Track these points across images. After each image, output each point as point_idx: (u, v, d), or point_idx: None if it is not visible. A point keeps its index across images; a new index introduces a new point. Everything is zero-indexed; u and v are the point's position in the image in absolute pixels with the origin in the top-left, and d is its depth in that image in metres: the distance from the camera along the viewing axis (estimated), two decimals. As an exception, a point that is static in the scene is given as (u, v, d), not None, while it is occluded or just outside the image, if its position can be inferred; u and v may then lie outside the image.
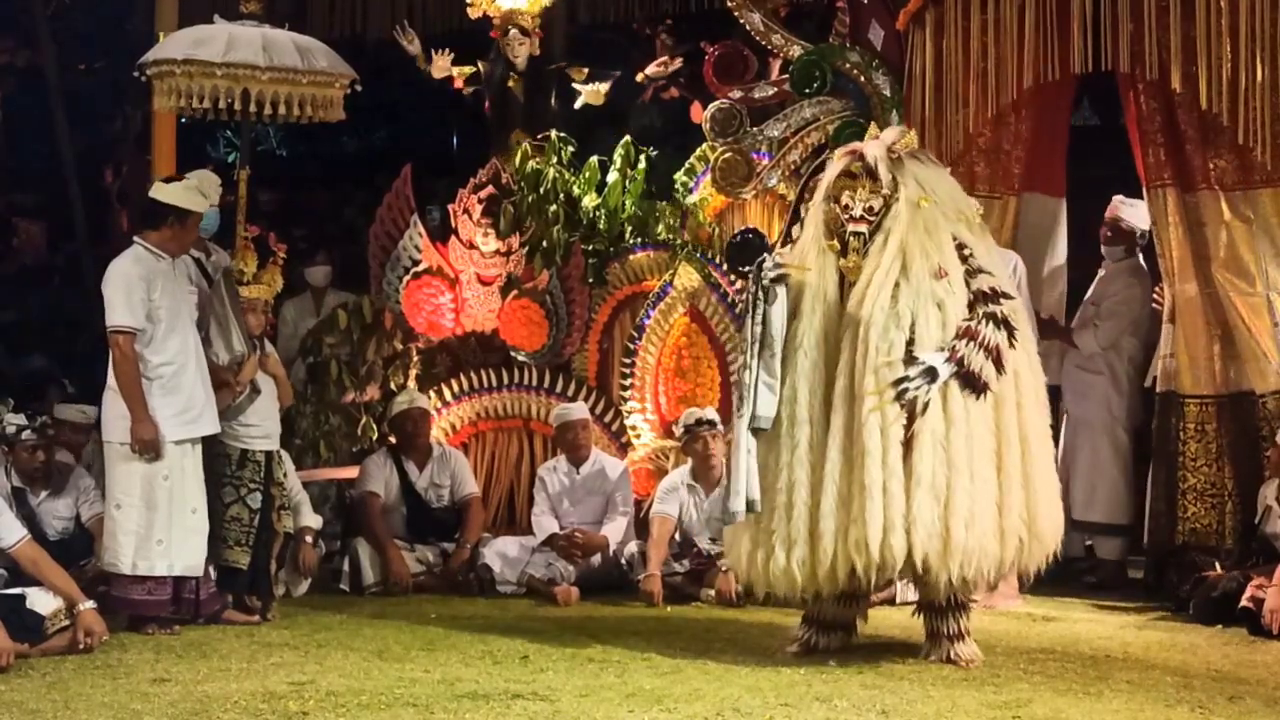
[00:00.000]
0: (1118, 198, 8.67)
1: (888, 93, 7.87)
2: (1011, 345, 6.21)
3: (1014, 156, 8.38)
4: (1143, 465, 8.43)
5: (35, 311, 11.90)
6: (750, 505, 6.21)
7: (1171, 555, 7.97)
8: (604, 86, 9.49)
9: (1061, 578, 6.83)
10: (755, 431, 6.23)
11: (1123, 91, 8.17)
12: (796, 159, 8.05)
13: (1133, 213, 8.51)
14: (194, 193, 7.10)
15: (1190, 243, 7.93)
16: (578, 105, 9.56)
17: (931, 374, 6.09)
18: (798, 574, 6.17)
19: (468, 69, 9.57)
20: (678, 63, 9.84)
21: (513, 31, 9.43)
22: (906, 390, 6.07)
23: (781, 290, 6.25)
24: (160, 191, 7.17)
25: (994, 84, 7.73)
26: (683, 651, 6.54)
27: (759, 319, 6.22)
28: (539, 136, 9.34)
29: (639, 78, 9.86)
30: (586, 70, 9.59)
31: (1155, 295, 8.32)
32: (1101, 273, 8.75)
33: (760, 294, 6.23)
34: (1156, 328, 8.26)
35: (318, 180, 14.21)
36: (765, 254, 6.35)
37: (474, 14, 9.56)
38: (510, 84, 9.48)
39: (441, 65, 9.55)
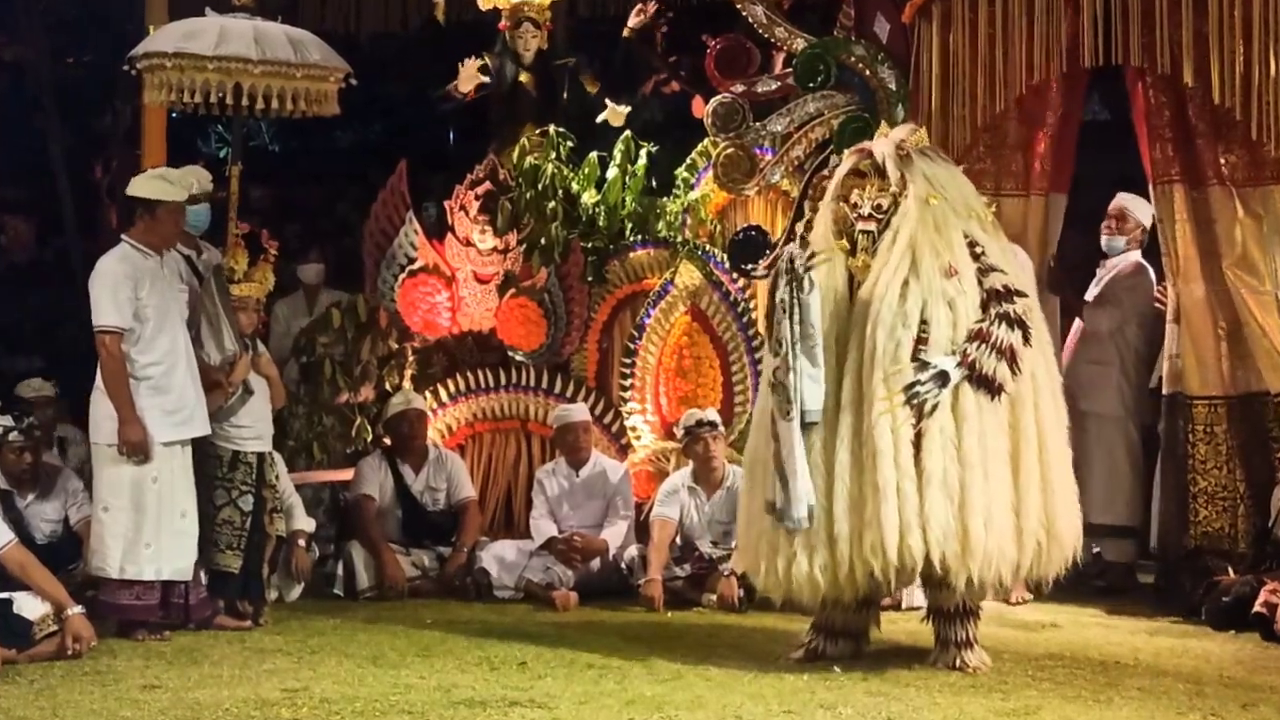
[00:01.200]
0: (1122, 194, 8.61)
1: (893, 87, 7.78)
2: (1026, 344, 6.15)
3: (1036, 154, 8.30)
4: (1149, 466, 8.35)
5: (24, 310, 11.80)
6: (811, 510, 6.06)
7: (1183, 560, 7.92)
8: (623, 109, 9.40)
9: (1070, 582, 6.80)
10: (807, 426, 6.09)
11: (1130, 86, 8.11)
12: (800, 154, 7.95)
13: (1138, 206, 8.45)
14: (158, 181, 7.06)
15: (1198, 240, 7.87)
16: (599, 120, 9.46)
17: (943, 379, 6.05)
18: (821, 580, 6.08)
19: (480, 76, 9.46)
20: (652, 7, 9.77)
21: (525, 24, 9.36)
22: (918, 395, 6.02)
23: (818, 276, 6.15)
24: (130, 185, 7.12)
25: (1002, 78, 7.67)
26: (684, 657, 6.49)
27: (797, 313, 6.09)
28: (539, 132, 9.26)
29: (624, 33, 9.79)
30: (598, 84, 9.53)
31: (1159, 294, 8.26)
32: (1100, 270, 8.67)
33: (796, 285, 6.10)
34: (1161, 326, 8.19)
35: (311, 176, 14.12)
36: (790, 250, 6.23)
37: (484, 5, 9.49)
38: (522, 79, 9.39)
39: (469, 74, 9.40)
